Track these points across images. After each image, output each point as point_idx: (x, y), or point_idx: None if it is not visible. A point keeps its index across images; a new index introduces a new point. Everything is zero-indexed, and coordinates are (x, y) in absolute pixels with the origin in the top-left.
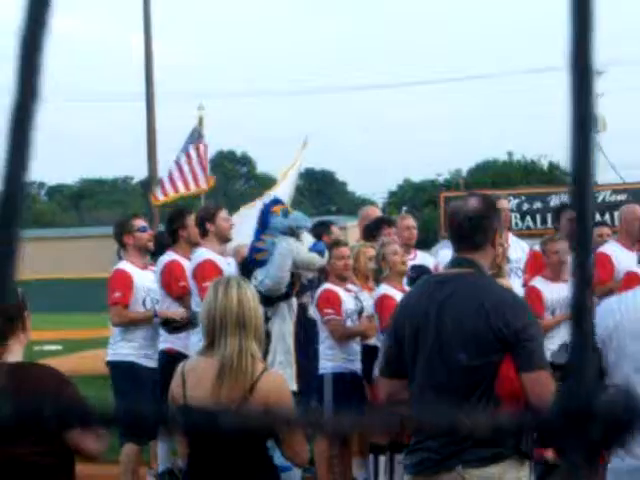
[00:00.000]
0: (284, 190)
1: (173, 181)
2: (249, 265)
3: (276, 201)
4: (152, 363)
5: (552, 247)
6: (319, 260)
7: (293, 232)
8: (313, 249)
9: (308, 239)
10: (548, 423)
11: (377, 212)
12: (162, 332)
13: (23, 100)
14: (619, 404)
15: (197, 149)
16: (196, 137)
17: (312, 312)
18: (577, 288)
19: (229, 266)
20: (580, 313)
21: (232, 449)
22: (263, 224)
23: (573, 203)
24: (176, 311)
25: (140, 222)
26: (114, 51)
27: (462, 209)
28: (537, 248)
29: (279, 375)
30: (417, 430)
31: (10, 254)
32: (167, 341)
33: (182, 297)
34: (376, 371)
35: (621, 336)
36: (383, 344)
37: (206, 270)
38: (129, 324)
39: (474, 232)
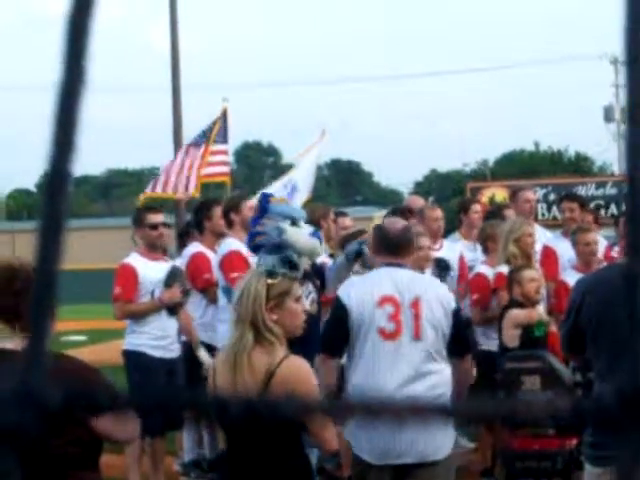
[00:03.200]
0: (301, 177)
1: (167, 181)
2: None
3: (271, 195)
4: (165, 354)
5: (583, 238)
6: (320, 248)
7: (294, 221)
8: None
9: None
10: (606, 409)
11: (421, 201)
12: None
13: (70, 86)
14: None
15: (203, 150)
16: (203, 137)
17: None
18: (628, 271)
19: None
20: (632, 297)
21: (264, 436)
22: (262, 211)
23: (627, 194)
24: (170, 291)
25: (154, 217)
26: (140, 42)
27: None
28: (549, 244)
29: (299, 361)
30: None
31: (56, 248)
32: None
33: (206, 289)
34: None
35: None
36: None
37: (233, 261)
38: (132, 317)
39: None
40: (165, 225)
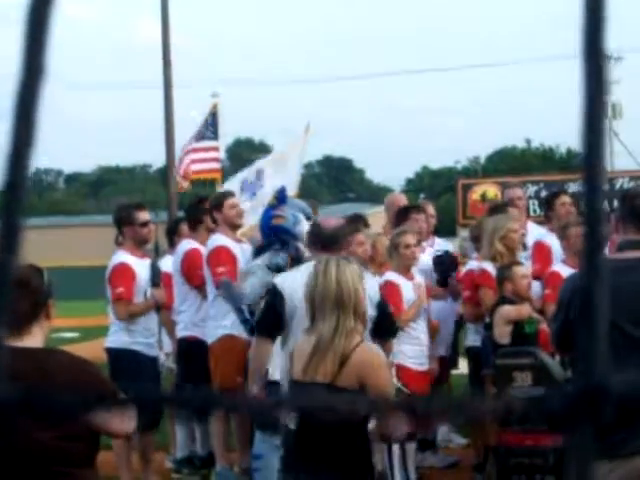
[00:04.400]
0: (280, 173)
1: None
2: (269, 234)
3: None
4: (151, 351)
5: (575, 232)
6: None
7: (308, 216)
8: None
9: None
10: (554, 409)
11: (404, 200)
12: (181, 320)
13: (29, 80)
14: (633, 386)
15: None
16: (200, 136)
17: None
18: (586, 265)
19: (245, 252)
20: (589, 289)
21: (331, 426)
22: (280, 200)
23: (584, 189)
24: (160, 290)
25: (143, 215)
26: (131, 38)
27: None
28: (542, 239)
29: (375, 349)
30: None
31: (13, 243)
32: (186, 329)
33: (202, 286)
34: None
35: None
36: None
37: (221, 255)
38: (134, 317)
39: None
40: (151, 222)
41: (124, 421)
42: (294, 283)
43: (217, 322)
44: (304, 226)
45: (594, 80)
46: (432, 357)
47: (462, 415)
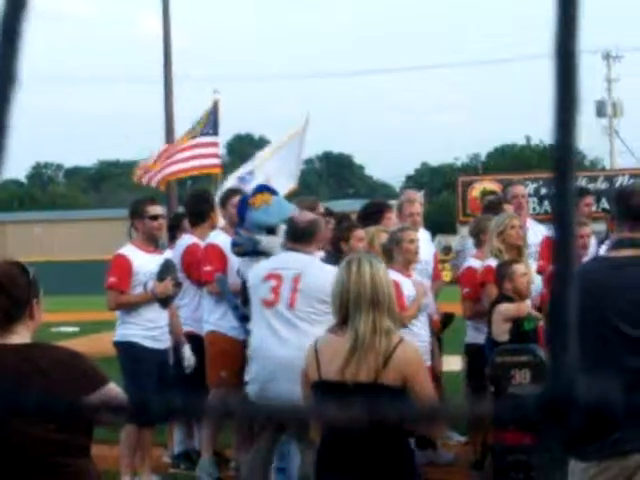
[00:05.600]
0: (279, 163)
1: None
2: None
3: (259, 189)
4: (156, 344)
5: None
6: None
7: (271, 229)
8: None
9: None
10: (526, 413)
11: (416, 195)
12: (181, 314)
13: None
14: (600, 393)
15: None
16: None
17: None
18: (556, 273)
19: None
20: (560, 293)
21: (368, 435)
22: (240, 219)
23: (554, 183)
24: (162, 284)
25: (154, 209)
26: (131, 33)
27: None
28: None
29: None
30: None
31: None
32: (185, 324)
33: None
34: None
35: None
36: None
37: (209, 254)
38: (125, 307)
39: None
40: (163, 217)
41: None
42: (256, 269)
43: (205, 317)
44: (265, 243)
45: (565, 80)
46: (435, 353)
47: (434, 418)
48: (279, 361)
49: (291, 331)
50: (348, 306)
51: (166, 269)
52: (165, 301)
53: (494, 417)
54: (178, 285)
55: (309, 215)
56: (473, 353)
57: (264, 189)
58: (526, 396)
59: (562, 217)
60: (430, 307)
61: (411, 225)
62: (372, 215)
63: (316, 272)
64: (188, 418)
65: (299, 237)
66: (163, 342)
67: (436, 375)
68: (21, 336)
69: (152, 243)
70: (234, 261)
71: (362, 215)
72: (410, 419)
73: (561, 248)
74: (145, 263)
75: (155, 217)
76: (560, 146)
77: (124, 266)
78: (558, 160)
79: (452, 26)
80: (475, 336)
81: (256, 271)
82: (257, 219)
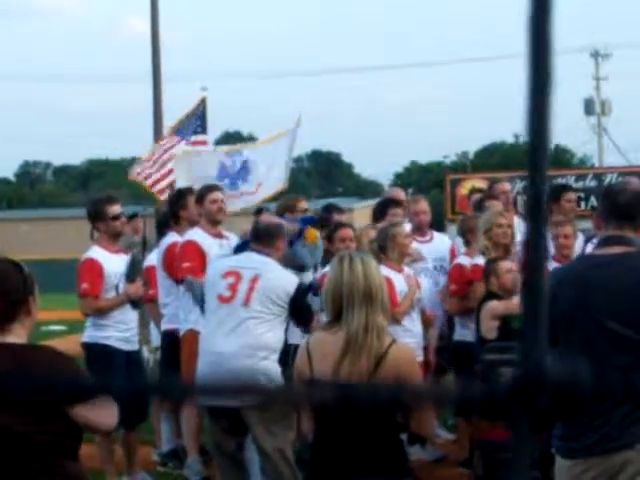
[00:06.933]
0: (268, 159)
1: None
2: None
3: (310, 221)
4: (127, 346)
5: (562, 231)
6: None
7: (303, 268)
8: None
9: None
10: (493, 394)
11: (402, 194)
12: (166, 313)
13: None
14: (569, 374)
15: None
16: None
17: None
18: (530, 256)
19: (223, 247)
20: (532, 280)
21: (360, 425)
22: (290, 242)
23: (528, 186)
24: (134, 285)
25: (114, 209)
26: (120, 30)
27: (630, 188)
28: None
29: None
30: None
31: None
32: (170, 322)
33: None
34: None
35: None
36: None
37: (186, 251)
38: (101, 312)
39: (638, 212)
40: (123, 214)
41: (107, 416)
42: (217, 265)
43: (184, 316)
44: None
45: (538, 77)
46: (429, 348)
47: (405, 401)
48: (223, 357)
49: (240, 329)
50: (341, 303)
51: (134, 269)
52: (136, 302)
53: (460, 399)
54: (145, 283)
55: (273, 219)
56: (461, 350)
57: (310, 222)
58: (495, 375)
59: (534, 199)
60: (422, 301)
61: (418, 224)
62: (383, 211)
63: (274, 274)
64: (150, 398)
65: (260, 238)
66: (134, 343)
67: (430, 369)
68: (17, 335)
69: (116, 241)
70: (213, 258)
71: (375, 212)
72: (380, 402)
73: (533, 230)
74: (112, 264)
75: (116, 217)
76: (533, 131)
77: (95, 270)
78: (532, 146)
79: (440, 24)
80: (463, 333)
81: (216, 267)
82: (302, 256)
